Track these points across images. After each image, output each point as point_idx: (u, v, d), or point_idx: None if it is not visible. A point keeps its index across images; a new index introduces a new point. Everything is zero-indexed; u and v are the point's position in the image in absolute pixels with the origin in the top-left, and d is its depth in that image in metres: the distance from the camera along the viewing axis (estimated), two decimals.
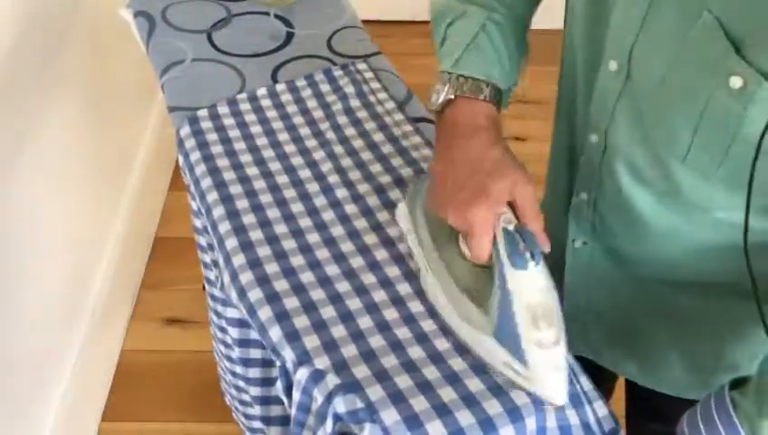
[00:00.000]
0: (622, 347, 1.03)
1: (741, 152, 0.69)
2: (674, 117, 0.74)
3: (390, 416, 0.79)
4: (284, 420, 1.11)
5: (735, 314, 0.89)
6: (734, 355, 0.93)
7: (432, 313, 0.90)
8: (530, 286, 0.78)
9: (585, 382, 0.86)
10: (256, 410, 1.13)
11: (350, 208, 1.03)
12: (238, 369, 1.13)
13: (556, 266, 0.99)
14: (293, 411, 0.87)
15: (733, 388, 0.75)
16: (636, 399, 1.17)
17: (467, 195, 0.79)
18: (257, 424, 1.18)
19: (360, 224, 1.01)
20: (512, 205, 0.80)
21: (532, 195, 0.80)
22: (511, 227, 0.79)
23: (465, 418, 0.79)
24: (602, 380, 1.15)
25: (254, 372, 1.07)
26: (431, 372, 0.83)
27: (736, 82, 0.66)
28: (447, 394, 0.81)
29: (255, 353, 1.05)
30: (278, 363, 0.89)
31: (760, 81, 0.65)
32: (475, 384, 0.82)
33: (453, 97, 0.87)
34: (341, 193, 1.05)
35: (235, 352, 1.09)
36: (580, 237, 0.96)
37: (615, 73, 0.80)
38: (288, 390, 0.88)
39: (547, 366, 0.78)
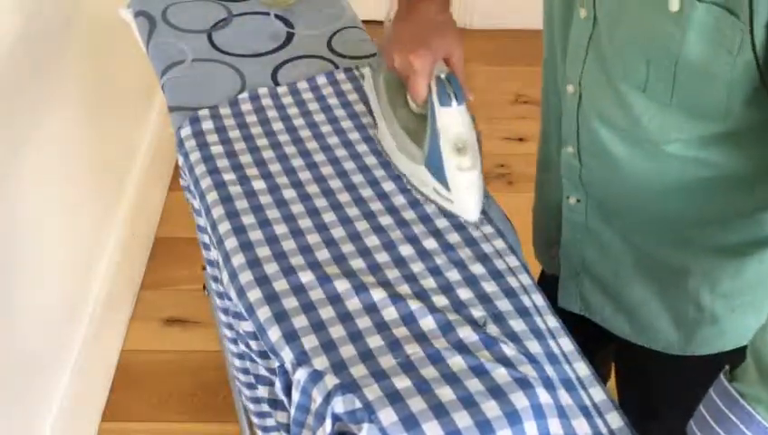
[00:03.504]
0: (614, 304, 1.07)
1: (687, 77, 0.78)
2: (630, 51, 0.82)
3: (388, 416, 0.79)
4: None
5: (708, 266, 0.96)
6: (712, 308, 0.98)
7: (432, 311, 0.90)
8: (453, 122, 0.97)
9: (597, 393, 0.85)
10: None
11: (352, 211, 1.03)
12: (250, 367, 1.13)
13: (553, 226, 1.07)
14: (293, 411, 0.87)
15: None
16: (624, 373, 1.21)
17: (414, 44, 0.98)
18: (272, 422, 1.17)
19: (362, 226, 1.01)
20: (447, 62, 1.00)
21: (462, 56, 1.00)
22: (443, 75, 0.98)
23: (462, 419, 0.79)
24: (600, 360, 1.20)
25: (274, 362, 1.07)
26: (429, 373, 0.83)
27: (674, 5, 0.74)
28: (446, 395, 0.81)
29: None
30: (277, 364, 0.89)
31: (693, 2, 0.73)
32: (473, 385, 0.82)
33: None
34: (343, 197, 1.05)
35: (254, 345, 1.09)
36: (574, 194, 1.02)
37: (585, 20, 0.87)
38: (287, 390, 0.89)
39: (464, 186, 0.98)
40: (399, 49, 0.99)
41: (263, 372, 1.08)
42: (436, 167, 0.98)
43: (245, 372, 1.17)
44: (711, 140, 0.84)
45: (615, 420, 0.83)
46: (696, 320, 1.00)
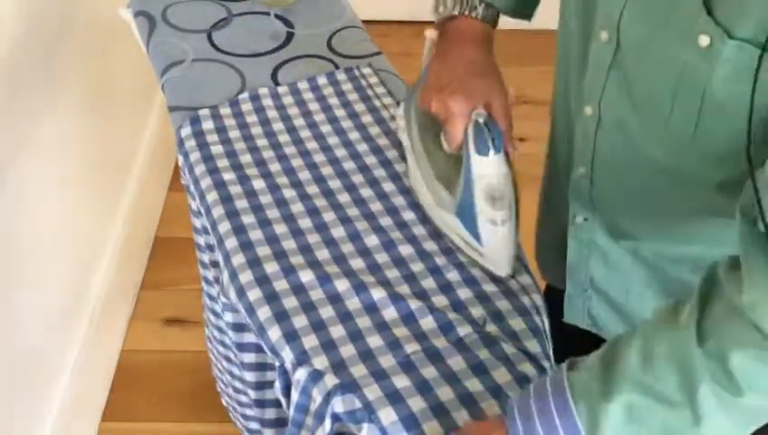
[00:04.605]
0: (624, 320, 1.05)
1: (711, 115, 0.75)
2: (657, 82, 0.79)
3: (388, 416, 0.79)
4: (278, 423, 1.11)
5: None
6: None
7: (432, 311, 0.90)
8: (489, 171, 0.90)
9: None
10: (254, 411, 1.13)
11: (352, 211, 1.03)
12: (236, 370, 1.13)
13: (557, 244, 1.05)
14: (291, 412, 0.87)
15: (572, 368, 0.73)
16: None
17: (452, 88, 0.93)
18: (254, 425, 1.18)
19: (362, 226, 1.01)
20: (487, 108, 0.93)
21: (505, 102, 0.95)
22: (481, 120, 0.91)
23: (462, 419, 0.79)
24: None
25: (251, 376, 1.07)
26: (429, 372, 0.83)
27: (704, 40, 0.72)
28: (445, 394, 0.81)
29: (250, 358, 1.05)
30: (277, 363, 0.89)
31: (723, 38, 0.70)
32: (473, 385, 0.82)
33: (456, 14, 0.99)
34: (343, 197, 1.05)
35: (233, 355, 1.09)
36: (581, 213, 0.99)
37: (606, 44, 0.84)
38: (286, 390, 0.88)
39: (497, 240, 0.91)
40: (437, 91, 0.94)
41: (238, 385, 1.09)
42: (467, 217, 0.92)
43: (233, 375, 1.17)
44: (726, 186, 0.80)
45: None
46: None
